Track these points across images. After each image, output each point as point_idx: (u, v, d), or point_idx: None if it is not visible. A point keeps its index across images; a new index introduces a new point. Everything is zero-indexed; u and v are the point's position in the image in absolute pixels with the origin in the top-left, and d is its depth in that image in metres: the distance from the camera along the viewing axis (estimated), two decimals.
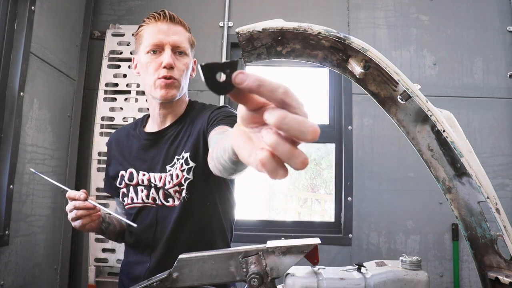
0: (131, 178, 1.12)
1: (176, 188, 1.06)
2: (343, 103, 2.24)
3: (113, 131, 2.04)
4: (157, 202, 1.08)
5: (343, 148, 2.20)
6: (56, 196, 1.95)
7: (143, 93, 2.09)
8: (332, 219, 2.23)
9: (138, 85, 2.07)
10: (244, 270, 0.78)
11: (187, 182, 1.05)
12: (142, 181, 1.09)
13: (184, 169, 1.06)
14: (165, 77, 1.05)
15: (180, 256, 0.81)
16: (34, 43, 1.71)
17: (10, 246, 1.60)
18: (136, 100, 2.06)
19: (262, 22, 0.95)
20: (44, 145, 1.83)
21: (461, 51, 2.26)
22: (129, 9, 2.30)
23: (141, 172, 1.11)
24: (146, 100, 2.11)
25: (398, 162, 2.17)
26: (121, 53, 2.12)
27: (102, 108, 2.05)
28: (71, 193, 0.99)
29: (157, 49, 1.06)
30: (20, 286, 1.67)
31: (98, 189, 1.98)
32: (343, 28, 2.29)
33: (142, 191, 1.10)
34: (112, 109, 2.06)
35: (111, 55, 2.11)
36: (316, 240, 0.83)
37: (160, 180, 1.07)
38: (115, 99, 2.08)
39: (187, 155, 1.07)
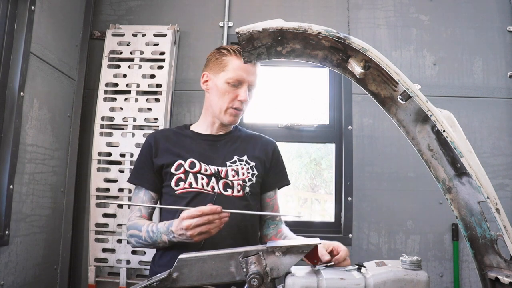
0: (192, 166, 1.28)
1: (240, 182, 1.28)
2: (343, 103, 2.24)
3: (113, 131, 2.06)
4: (215, 190, 1.25)
5: (343, 148, 2.20)
6: (56, 196, 1.95)
7: (143, 93, 2.09)
8: (332, 219, 2.23)
9: (138, 85, 2.06)
10: (244, 270, 0.78)
11: (250, 182, 1.30)
12: (206, 170, 1.27)
13: (250, 172, 1.31)
14: (237, 109, 1.30)
15: (180, 256, 0.81)
16: (34, 43, 1.71)
17: (10, 246, 1.60)
18: (136, 100, 2.06)
19: (262, 22, 0.95)
20: (44, 145, 1.83)
21: (461, 51, 2.26)
22: (129, 9, 2.30)
23: (202, 163, 1.28)
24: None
25: (398, 162, 2.17)
26: (121, 53, 2.12)
27: (102, 108, 2.05)
28: (206, 208, 1.02)
29: (237, 84, 1.28)
30: (20, 286, 1.67)
31: (98, 189, 1.98)
32: (343, 28, 2.29)
33: (202, 178, 1.26)
34: (112, 109, 2.06)
35: (111, 55, 2.11)
36: (316, 240, 0.83)
37: (221, 172, 1.28)
38: (115, 99, 2.08)
39: (253, 163, 1.33)
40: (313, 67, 2.34)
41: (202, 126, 1.41)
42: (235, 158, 1.32)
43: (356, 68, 0.98)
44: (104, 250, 1.95)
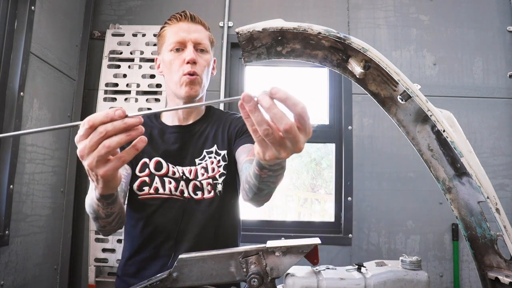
0: (159, 167, 1.10)
1: (210, 181, 1.09)
2: (343, 103, 2.24)
3: None
4: (184, 195, 1.09)
5: (343, 148, 2.20)
6: (56, 196, 1.95)
7: (143, 93, 2.09)
8: (332, 219, 2.23)
9: (138, 85, 2.07)
10: (244, 270, 0.78)
11: (222, 177, 1.10)
12: (174, 173, 1.09)
13: (221, 165, 1.11)
14: (189, 73, 1.08)
15: (180, 256, 0.81)
16: (34, 43, 1.71)
17: (10, 246, 1.60)
18: (136, 100, 2.06)
19: (262, 22, 0.95)
20: (44, 145, 1.83)
21: (461, 51, 2.26)
22: (129, 9, 2.30)
23: (170, 164, 1.10)
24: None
25: (398, 162, 2.17)
26: (121, 53, 2.12)
27: (102, 108, 2.05)
28: (97, 116, 0.56)
29: (180, 47, 1.10)
30: (20, 286, 1.67)
31: None
32: (343, 28, 2.29)
33: (170, 182, 1.09)
34: None
35: (111, 55, 2.11)
36: (316, 240, 0.83)
37: (190, 173, 1.10)
38: (115, 99, 2.08)
39: (223, 152, 1.12)
40: (313, 67, 2.34)
41: (169, 115, 1.19)
42: (204, 153, 1.13)
43: (356, 68, 0.98)
44: (104, 250, 1.95)
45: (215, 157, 1.12)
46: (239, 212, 1.19)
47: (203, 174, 1.10)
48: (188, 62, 1.08)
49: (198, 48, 1.12)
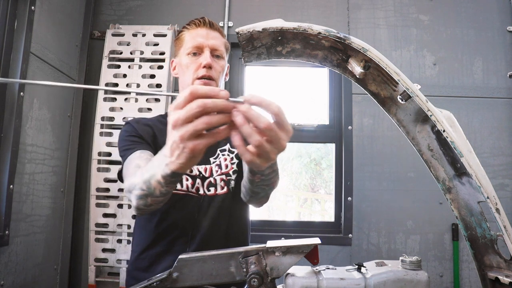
0: None
1: (223, 177, 1.13)
2: (343, 103, 2.24)
3: (113, 131, 2.06)
4: (199, 192, 1.12)
5: (343, 148, 2.20)
6: (56, 196, 1.95)
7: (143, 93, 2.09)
8: (332, 219, 2.23)
9: (138, 85, 2.07)
10: (244, 270, 0.78)
11: (235, 174, 1.14)
12: (191, 170, 1.13)
13: (234, 162, 1.15)
14: (203, 77, 1.12)
15: (180, 256, 0.81)
16: (34, 43, 1.71)
17: (10, 246, 1.60)
18: (136, 100, 2.06)
19: (262, 22, 0.95)
20: (44, 145, 1.83)
21: (461, 51, 2.26)
22: (129, 9, 2.30)
23: None
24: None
25: (398, 162, 2.17)
26: (121, 53, 2.12)
27: (102, 108, 2.05)
28: (199, 88, 0.54)
29: (197, 51, 1.15)
30: (20, 286, 1.67)
31: (98, 189, 1.98)
32: (343, 28, 2.29)
33: (187, 179, 1.13)
34: (112, 109, 2.06)
35: (111, 55, 2.11)
36: (316, 240, 0.83)
37: (206, 171, 1.15)
38: (115, 99, 2.08)
39: (236, 151, 1.14)
40: (313, 67, 2.35)
41: None
42: (218, 151, 1.18)
43: (356, 68, 0.98)
44: (104, 250, 1.95)
45: (228, 155, 1.17)
46: (249, 212, 1.23)
47: (217, 171, 1.15)
48: (204, 66, 1.12)
49: (215, 54, 1.16)
